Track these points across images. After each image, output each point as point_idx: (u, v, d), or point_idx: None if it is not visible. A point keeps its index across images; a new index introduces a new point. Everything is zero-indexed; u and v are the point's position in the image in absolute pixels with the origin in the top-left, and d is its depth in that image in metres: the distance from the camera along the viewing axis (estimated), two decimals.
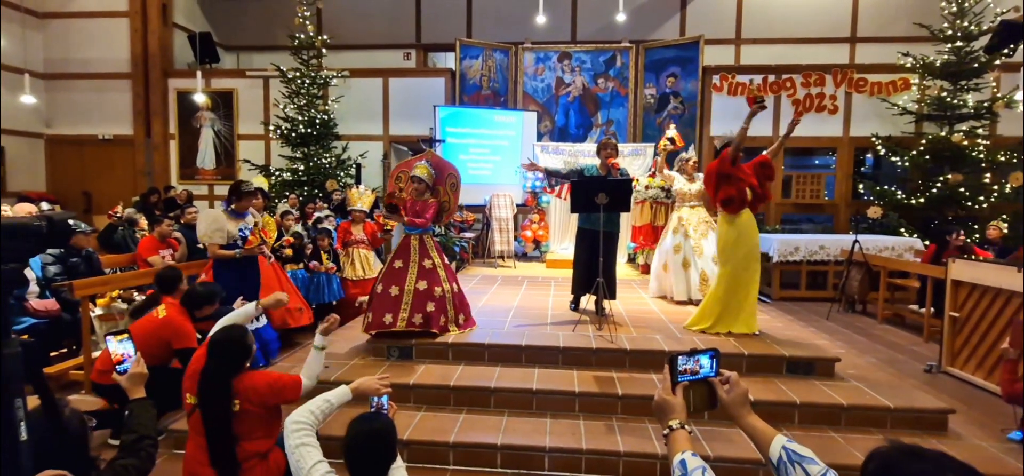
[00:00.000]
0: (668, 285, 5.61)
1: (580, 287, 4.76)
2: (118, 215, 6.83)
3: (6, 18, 9.18)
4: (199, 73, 9.45)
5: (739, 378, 1.33)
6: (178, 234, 6.06)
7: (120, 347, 1.74)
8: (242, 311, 2.91)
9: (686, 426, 1.26)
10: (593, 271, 4.40)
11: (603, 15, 10.27)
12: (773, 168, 4.25)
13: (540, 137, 9.64)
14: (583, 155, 8.87)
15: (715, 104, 9.22)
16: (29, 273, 4.51)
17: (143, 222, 6.77)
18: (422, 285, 4.08)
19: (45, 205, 7.26)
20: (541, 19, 9.00)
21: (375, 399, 2.01)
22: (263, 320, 4.80)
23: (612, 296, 4.57)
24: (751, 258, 4.18)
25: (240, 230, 4.38)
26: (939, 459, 0.80)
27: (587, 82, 9.92)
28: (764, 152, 4.34)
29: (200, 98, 9.64)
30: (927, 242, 7.80)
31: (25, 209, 5.42)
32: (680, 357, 1.31)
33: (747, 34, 10.38)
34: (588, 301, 4.83)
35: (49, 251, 4.56)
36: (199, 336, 3.34)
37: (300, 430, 1.83)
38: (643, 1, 10.46)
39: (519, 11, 10.28)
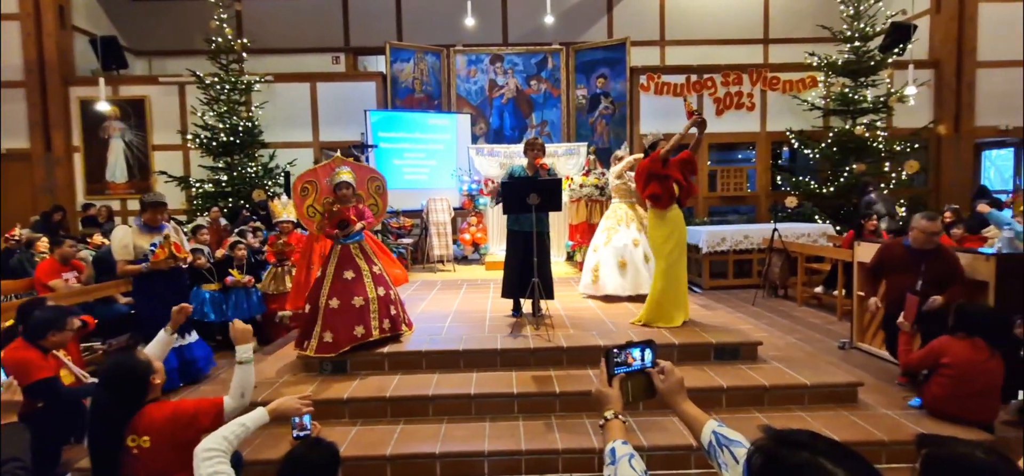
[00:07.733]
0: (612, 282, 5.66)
1: (516, 290, 4.73)
2: (16, 238, 6.20)
3: None
4: (102, 80, 8.74)
5: (673, 367, 1.38)
6: (85, 254, 5.57)
7: None
8: (157, 340, 2.69)
9: (621, 416, 1.30)
10: (527, 272, 4.43)
11: (533, 18, 10.40)
12: (695, 163, 4.44)
13: (475, 140, 9.61)
14: (519, 157, 8.93)
15: (643, 103, 9.54)
16: None
17: (42, 244, 6.16)
18: (381, 291, 4.02)
19: None
20: (470, 22, 9.00)
21: (296, 419, 1.91)
22: (194, 335, 4.51)
23: (550, 296, 4.61)
24: (681, 250, 4.37)
25: (151, 245, 4.11)
26: (812, 443, 0.85)
27: (520, 84, 9.99)
28: (686, 149, 4.53)
29: (105, 107, 8.91)
30: (839, 228, 8.41)
31: None
32: (614, 350, 1.35)
33: (670, 36, 10.83)
34: (526, 303, 4.83)
35: None
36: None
37: (212, 458, 1.72)
38: (571, 4, 10.68)
39: (449, 14, 10.23)
